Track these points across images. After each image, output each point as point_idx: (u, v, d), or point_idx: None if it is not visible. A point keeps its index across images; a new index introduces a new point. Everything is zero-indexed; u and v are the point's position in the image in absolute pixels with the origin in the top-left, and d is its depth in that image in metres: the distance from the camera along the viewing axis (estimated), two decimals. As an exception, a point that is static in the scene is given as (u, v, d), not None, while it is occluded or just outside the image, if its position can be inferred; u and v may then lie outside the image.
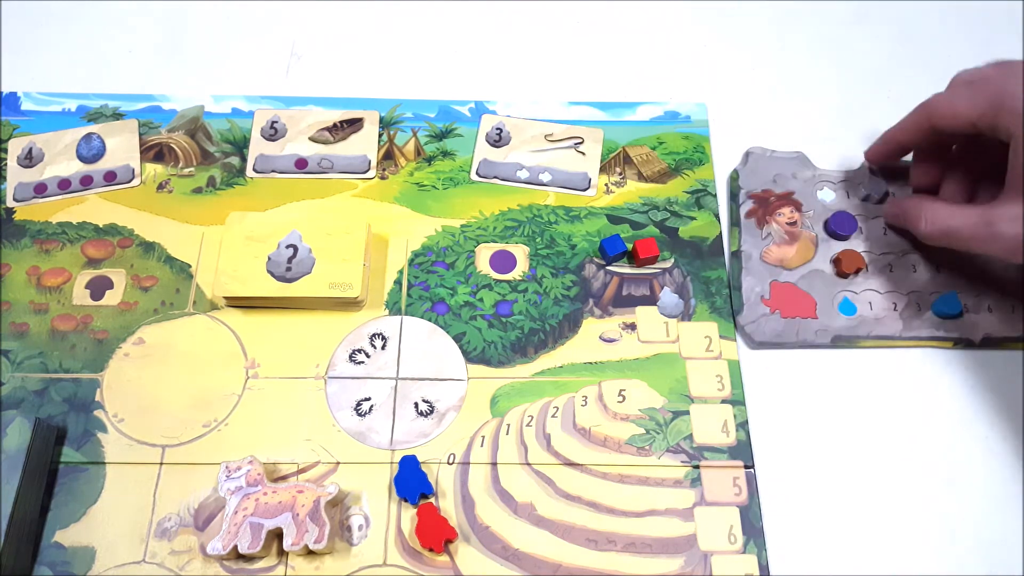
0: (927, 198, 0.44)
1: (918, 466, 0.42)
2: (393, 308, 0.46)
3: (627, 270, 0.47)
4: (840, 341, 0.45)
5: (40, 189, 0.49)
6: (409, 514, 0.40)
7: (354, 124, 0.51)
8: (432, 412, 0.43)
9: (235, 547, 0.38)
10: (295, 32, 0.55)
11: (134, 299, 0.45)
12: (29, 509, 0.39)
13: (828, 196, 0.48)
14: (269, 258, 0.45)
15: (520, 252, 0.47)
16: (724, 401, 0.43)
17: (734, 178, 0.50)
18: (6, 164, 0.49)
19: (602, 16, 0.57)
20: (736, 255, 0.47)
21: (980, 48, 0.55)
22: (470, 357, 0.44)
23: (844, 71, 0.54)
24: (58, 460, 0.41)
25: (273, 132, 0.51)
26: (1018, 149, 0.38)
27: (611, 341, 0.45)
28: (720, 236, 0.48)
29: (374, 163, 0.50)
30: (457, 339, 0.45)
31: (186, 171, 0.50)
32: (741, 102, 0.53)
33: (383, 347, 0.44)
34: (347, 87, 0.53)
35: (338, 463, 0.42)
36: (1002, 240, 0.38)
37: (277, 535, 0.39)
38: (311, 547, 0.38)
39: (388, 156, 0.50)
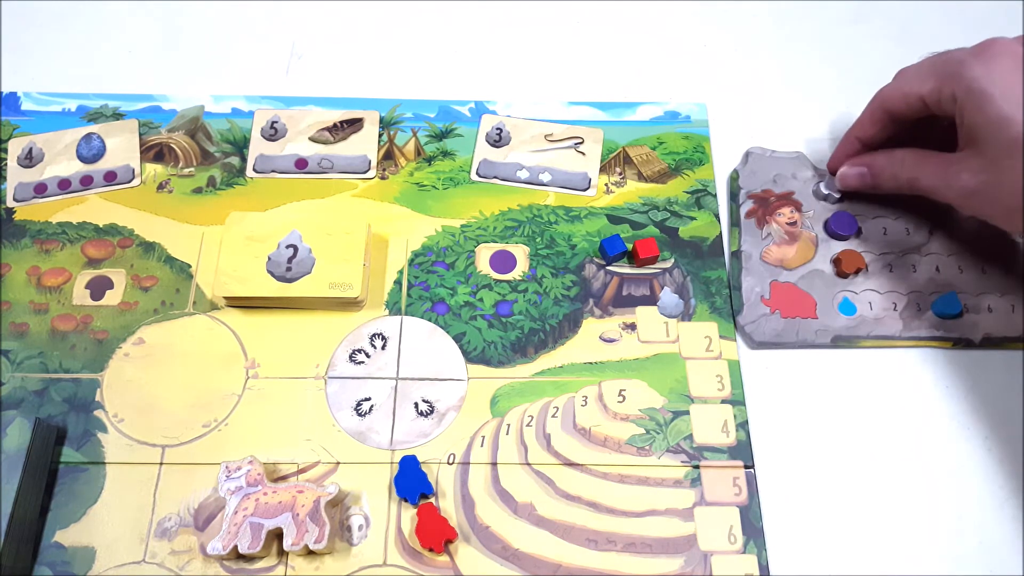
0: (895, 149, 0.45)
1: (918, 466, 0.42)
2: (393, 308, 0.46)
3: (627, 270, 0.47)
4: (840, 341, 0.45)
5: (40, 189, 0.49)
6: (409, 514, 0.40)
7: (354, 124, 0.51)
8: (432, 412, 0.43)
9: (235, 547, 0.38)
10: (295, 32, 0.55)
11: (134, 299, 0.45)
12: (29, 509, 0.39)
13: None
14: (269, 258, 0.45)
15: (520, 252, 0.47)
16: (724, 401, 0.43)
17: (734, 178, 0.50)
18: (6, 164, 0.49)
19: (602, 16, 0.57)
20: (736, 255, 0.47)
21: (980, 48, 0.55)
22: (470, 357, 0.44)
23: (844, 71, 0.54)
24: (58, 460, 0.41)
25: (273, 132, 0.51)
26: (963, 109, 0.39)
27: (611, 341, 0.45)
28: (720, 236, 0.48)
29: (374, 163, 0.50)
30: (457, 339, 0.45)
31: (186, 171, 0.50)
32: (741, 102, 0.53)
33: (383, 347, 0.44)
34: (347, 87, 0.53)
35: (338, 463, 0.42)
36: (957, 188, 0.41)
37: (277, 535, 0.39)
38: (311, 547, 0.38)
39: (388, 156, 0.50)
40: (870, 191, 0.46)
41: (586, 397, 0.43)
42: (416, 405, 0.43)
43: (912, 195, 0.44)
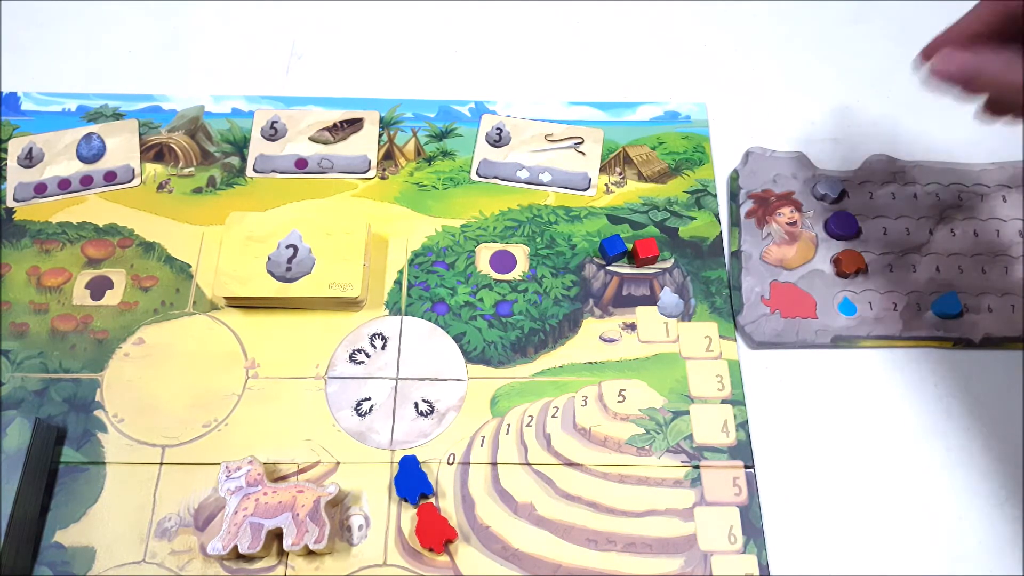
0: (1001, 50, 0.37)
1: (918, 466, 0.42)
2: (393, 308, 0.46)
3: (627, 270, 0.47)
4: (840, 341, 0.45)
5: (40, 189, 0.49)
6: (409, 514, 0.40)
7: (354, 124, 0.51)
8: (432, 412, 0.43)
9: (235, 547, 0.38)
10: (295, 32, 0.55)
11: (134, 299, 0.45)
12: (29, 509, 0.39)
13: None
14: (269, 258, 0.45)
15: (520, 252, 0.47)
16: (724, 401, 0.43)
17: (734, 178, 0.50)
18: (6, 164, 0.49)
19: (602, 16, 0.57)
20: (736, 255, 0.47)
21: (980, 48, 0.54)
22: (470, 357, 0.44)
23: (844, 71, 0.54)
24: (58, 460, 0.41)
25: (273, 132, 0.51)
26: None
27: (611, 341, 0.45)
28: (720, 236, 0.48)
29: (374, 163, 0.50)
30: (457, 339, 0.45)
31: (186, 171, 0.50)
32: (741, 102, 0.53)
33: (383, 347, 0.44)
34: (347, 87, 0.53)
35: (338, 463, 0.42)
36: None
37: (277, 535, 0.39)
38: (311, 547, 0.38)
39: (388, 156, 0.50)
40: (962, 88, 0.38)
41: (586, 397, 0.43)
42: (416, 405, 0.43)
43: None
